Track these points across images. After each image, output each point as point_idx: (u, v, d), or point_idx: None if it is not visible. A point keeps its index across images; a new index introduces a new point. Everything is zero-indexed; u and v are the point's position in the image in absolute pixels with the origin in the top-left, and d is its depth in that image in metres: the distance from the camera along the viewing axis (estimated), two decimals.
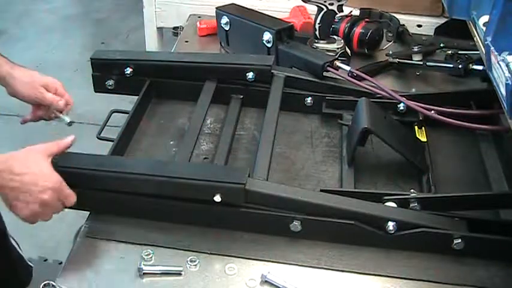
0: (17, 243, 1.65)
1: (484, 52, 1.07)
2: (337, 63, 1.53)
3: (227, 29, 1.78)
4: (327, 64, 1.50)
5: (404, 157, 1.32)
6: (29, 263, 1.70)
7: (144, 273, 1.07)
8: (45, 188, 1.06)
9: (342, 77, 1.51)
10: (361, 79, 1.50)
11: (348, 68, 1.53)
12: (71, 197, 1.11)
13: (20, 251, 1.65)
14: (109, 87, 1.52)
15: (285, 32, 1.65)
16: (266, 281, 1.07)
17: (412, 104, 1.39)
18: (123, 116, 1.43)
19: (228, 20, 1.76)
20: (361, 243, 1.14)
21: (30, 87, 1.34)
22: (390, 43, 1.85)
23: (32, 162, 1.08)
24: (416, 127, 1.43)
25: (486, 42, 1.00)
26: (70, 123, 1.42)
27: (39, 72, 1.39)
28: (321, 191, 1.20)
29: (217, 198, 1.11)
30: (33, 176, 1.06)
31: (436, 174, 1.30)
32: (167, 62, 1.54)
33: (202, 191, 1.12)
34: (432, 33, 1.90)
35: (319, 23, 1.70)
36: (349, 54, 1.73)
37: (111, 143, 1.31)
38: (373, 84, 1.47)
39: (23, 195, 1.05)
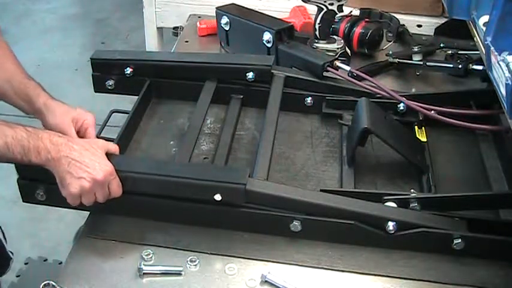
0: (2, 231, 1.63)
1: (484, 52, 1.07)
2: (337, 63, 1.53)
3: (227, 29, 1.78)
4: (327, 64, 1.50)
5: (404, 157, 1.31)
6: (10, 254, 1.67)
7: (144, 273, 1.07)
8: (100, 169, 1.08)
9: (342, 77, 1.51)
10: (361, 79, 1.50)
11: (347, 68, 1.53)
12: (120, 188, 1.12)
13: (2, 239, 1.63)
14: (109, 87, 1.52)
15: (285, 32, 1.65)
16: (266, 281, 1.07)
17: (412, 104, 1.40)
18: (123, 116, 1.42)
19: (228, 20, 1.76)
20: (361, 243, 1.14)
21: (60, 121, 1.27)
22: (390, 43, 1.85)
23: (91, 146, 1.11)
24: (416, 127, 1.43)
25: (486, 42, 1.00)
26: None
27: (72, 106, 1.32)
28: (321, 191, 1.20)
29: (218, 197, 1.11)
30: (92, 155, 1.09)
31: (436, 174, 1.30)
32: (167, 62, 1.54)
33: (202, 191, 1.12)
34: (432, 33, 1.90)
35: (319, 23, 1.70)
36: (349, 54, 1.73)
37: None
38: (373, 84, 1.47)
39: (78, 169, 1.06)
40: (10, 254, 1.67)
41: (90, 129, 1.30)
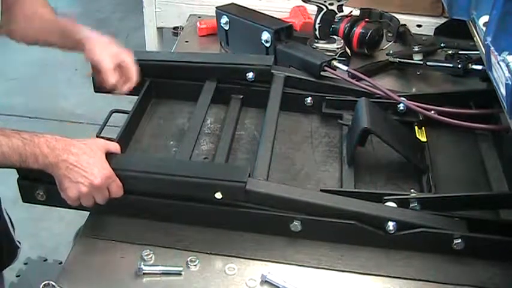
0: (10, 220, 1.63)
1: (484, 52, 1.07)
2: (335, 63, 1.53)
3: (227, 28, 1.78)
4: (325, 64, 1.50)
5: (404, 157, 1.31)
6: (18, 244, 1.67)
7: (144, 273, 1.07)
8: (98, 173, 1.07)
9: (340, 76, 1.51)
10: (361, 79, 1.50)
11: (345, 67, 1.52)
12: (120, 189, 1.12)
13: (10, 228, 1.63)
14: None
15: (283, 31, 1.65)
16: (266, 281, 1.07)
17: (411, 104, 1.40)
18: (123, 116, 1.42)
19: (227, 20, 1.76)
20: (361, 243, 1.14)
21: (99, 55, 1.32)
22: (390, 43, 1.85)
23: (90, 149, 1.10)
24: (416, 127, 1.43)
25: (486, 42, 1.00)
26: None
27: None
28: (321, 191, 1.20)
29: (218, 195, 1.11)
30: (90, 159, 1.08)
31: (436, 174, 1.30)
32: (167, 62, 1.54)
33: (202, 189, 1.12)
34: (432, 33, 1.90)
35: (319, 23, 1.70)
36: (349, 54, 1.73)
37: None
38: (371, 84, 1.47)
39: (76, 174, 1.06)
40: (18, 244, 1.67)
41: (133, 70, 1.34)
